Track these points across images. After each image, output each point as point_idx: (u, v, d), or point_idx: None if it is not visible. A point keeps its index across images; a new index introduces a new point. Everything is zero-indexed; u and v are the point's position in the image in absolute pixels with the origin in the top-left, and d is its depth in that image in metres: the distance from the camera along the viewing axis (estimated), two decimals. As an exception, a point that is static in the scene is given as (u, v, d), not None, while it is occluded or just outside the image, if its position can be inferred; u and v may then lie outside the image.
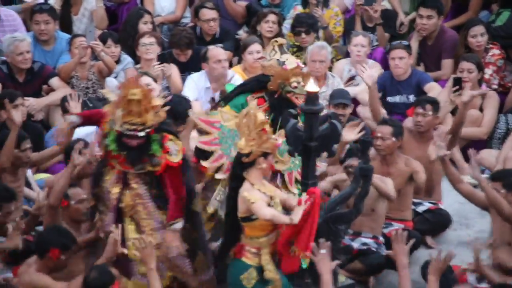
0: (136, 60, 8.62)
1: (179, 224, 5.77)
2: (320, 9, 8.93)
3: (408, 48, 8.23)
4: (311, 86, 5.82)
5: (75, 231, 6.04)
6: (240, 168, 5.55)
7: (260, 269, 5.54)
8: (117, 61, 8.55)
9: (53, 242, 5.66)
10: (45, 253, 5.67)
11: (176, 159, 5.69)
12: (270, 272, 5.54)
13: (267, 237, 5.56)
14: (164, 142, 5.70)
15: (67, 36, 8.64)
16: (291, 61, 6.17)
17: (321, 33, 8.97)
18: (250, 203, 5.44)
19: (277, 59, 6.20)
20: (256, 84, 6.27)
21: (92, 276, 5.41)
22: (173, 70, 8.36)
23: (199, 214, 5.89)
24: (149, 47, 8.29)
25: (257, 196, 5.47)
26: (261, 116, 5.52)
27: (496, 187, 6.18)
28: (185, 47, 8.57)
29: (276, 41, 6.29)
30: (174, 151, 5.70)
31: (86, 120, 6.02)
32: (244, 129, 5.52)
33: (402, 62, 8.24)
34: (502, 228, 6.19)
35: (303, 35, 8.68)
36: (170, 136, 5.75)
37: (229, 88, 6.64)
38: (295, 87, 6.11)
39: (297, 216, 5.42)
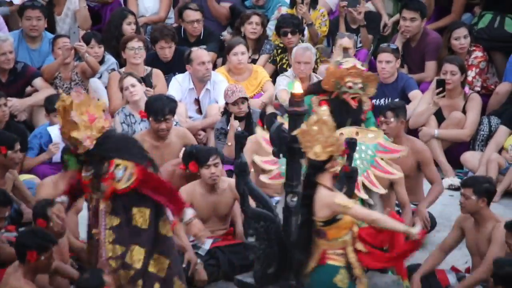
0: (120, 60, 8.61)
1: (189, 212, 5.66)
2: (307, 9, 8.94)
3: (396, 52, 8.26)
4: (296, 87, 5.83)
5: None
6: (314, 175, 5.49)
7: (349, 268, 5.52)
8: (101, 62, 8.53)
9: (29, 244, 5.62)
10: (24, 257, 5.64)
11: (123, 185, 5.48)
12: (358, 268, 5.52)
13: (349, 234, 5.54)
14: (110, 168, 5.50)
15: (51, 36, 8.61)
16: (348, 62, 6.11)
17: (306, 30, 8.98)
18: (347, 209, 5.40)
19: (336, 60, 6.15)
20: (320, 86, 6.21)
21: (84, 277, 5.41)
22: (159, 81, 8.36)
23: (169, 239, 5.73)
24: (137, 51, 8.28)
25: (348, 199, 5.47)
26: (331, 120, 5.47)
27: (467, 193, 6.22)
28: (170, 38, 8.55)
29: (341, 45, 6.23)
30: (122, 176, 5.48)
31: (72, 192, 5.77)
32: (317, 137, 5.45)
33: (389, 66, 8.27)
34: (474, 240, 6.24)
35: (289, 35, 8.69)
36: (118, 161, 5.50)
37: (290, 87, 6.55)
38: (350, 87, 6.04)
39: (417, 229, 5.37)
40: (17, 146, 6.86)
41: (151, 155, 6.89)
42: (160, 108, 7.26)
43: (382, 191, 5.95)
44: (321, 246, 5.53)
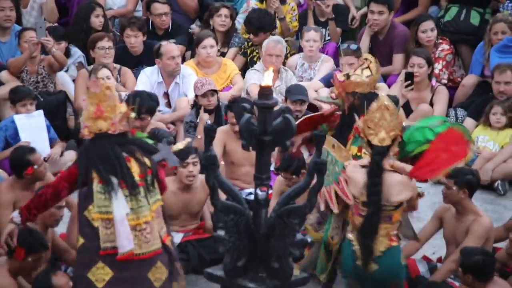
0: (87, 53, 8.56)
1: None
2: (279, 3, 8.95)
3: (357, 51, 8.19)
4: (265, 80, 5.83)
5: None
6: (381, 161, 5.53)
7: None
8: (67, 55, 8.47)
9: (21, 242, 5.54)
10: (12, 252, 5.58)
11: None
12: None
13: None
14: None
15: (19, 28, 8.54)
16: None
17: (277, 24, 8.99)
18: (417, 191, 5.56)
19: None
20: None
21: (37, 279, 5.40)
22: (128, 78, 8.32)
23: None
24: (107, 51, 8.24)
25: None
26: (393, 104, 5.55)
27: (449, 183, 6.26)
28: (136, 28, 8.52)
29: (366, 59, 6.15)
30: None
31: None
32: (381, 123, 5.49)
33: (353, 67, 8.28)
34: (453, 230, 6.29)
35: (260, 34, 8.68)
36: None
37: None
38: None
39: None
40: None
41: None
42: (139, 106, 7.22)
43: (336, 210, 5.96)
44: (387, 229, 5.58)
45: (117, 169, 5.13)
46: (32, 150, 6.50)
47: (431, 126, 5.90)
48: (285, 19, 9.01)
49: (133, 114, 5.32)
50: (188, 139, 5.65)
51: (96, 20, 8.65)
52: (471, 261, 5.66)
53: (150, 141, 5.36)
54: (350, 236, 5.71)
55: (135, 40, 8.57)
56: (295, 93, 7.77)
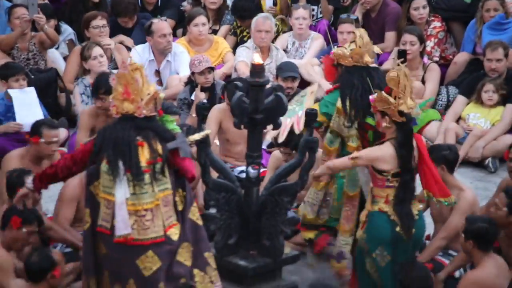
0: (77, 29, 8.53)
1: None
2: None
3: (356, 22, 8.27)
4: (256, 58, 5.82)
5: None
6: (411, 127, 5.66)
7: None
8: (58, 33, 8.43)
9: (17, 212, 5.57)
10: (8, 222, 5.59)
11: None
12: None
13: None
14: None
15: (9, 4, 8.49)
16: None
17: (277, 1, 8.96)
18: None
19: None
20: None
21: (32, 260, 5.33)
22: (122, 54, 8.30)
23: None
24: (102, 29, 8.20)
25: None
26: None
27: None
28: (132, 14, 8.54)
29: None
30: None
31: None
32: (406, 90, 5.55)
33: (350, 37, 8.27)
34: (438, 207, 6.32)
35: (246, 21, 8.65)
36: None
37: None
38: None
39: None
40: None
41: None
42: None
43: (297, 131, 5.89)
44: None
45: (126, 154, 5.12)
46: (50, 125, 6.53)
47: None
48: None
49: (162, 95, 5.32)
50: (208, 131, 5.63)
51: None
52: (475, 227, 5.67)
53: (174, 127, 5.32)
54: (383, 208, 5.69)
55: (132, 23, 8.61)
56: (286, 70, 7.76)
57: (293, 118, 5.94)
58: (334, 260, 6.04)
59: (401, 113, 5.57)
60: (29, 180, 5.43)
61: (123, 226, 5.10)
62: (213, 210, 5.82)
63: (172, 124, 5.32)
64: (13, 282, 5.41)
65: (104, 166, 5.15)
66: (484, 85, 7.96)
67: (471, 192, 6.27)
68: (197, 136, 5.38)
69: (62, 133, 7.61)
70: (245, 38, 8.74)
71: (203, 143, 5.75)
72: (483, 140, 7.83)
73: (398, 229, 5.66)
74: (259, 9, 8.71)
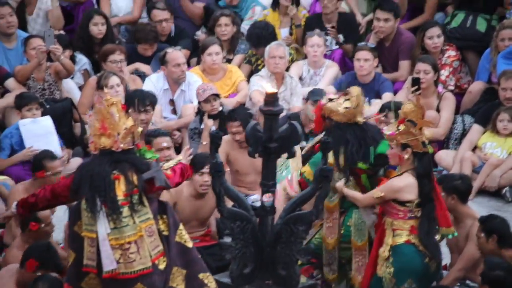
0: (92, 59, 8.57)
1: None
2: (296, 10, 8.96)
3: (374, 50, 8.29)
4: (268, 87, 5.84)
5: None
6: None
7: None
8: (72, 62, 8.48)
9: (37, 256, 5.60)
10: (24, 263, 5.60)
11: None
12: None
13: None
14: None
15: (25, 35, 8.54)
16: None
17: (293, 31, 8.96)
18: None
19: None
20: None
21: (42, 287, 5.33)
22: (137, 85, 8.35)
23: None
24: (120, 64, 8.25)
25: None
26: None
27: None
28: (153, 41, 8.61)
29: None
30: None
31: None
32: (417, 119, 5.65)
33: (367, 64, 8.31)
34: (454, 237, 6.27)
35: (261, 48, 8.65)
36: None
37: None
38: None
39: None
40: None
41: None
42: (140, 99, 7.28)
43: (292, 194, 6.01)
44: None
45: (102, 190, 5.18)
46: (52, 157, 6.64)
47: None
48: (301, 26, 9.00)
49: (139, 129, 5.35)
50: (180, 157, 5.66)
51: (95, 29, 8.65)
52: (493, 275, 5.60)
53: (153, 156, 5.36)
54: (410, 239, 5.66)
55: (151, 51, 8.68)
56: (316, 94, 7.74)
57: (283, 182, 6.06)
58: None
59: (424, 144, 5.59)
60: (14, 204, 5.52)
61: (109, 262, 5.15)
62: (228, 239, 5.79)
63: (151, 153, 5.36)
64: None
65: (83, 204, 5.21)
66: (499, 114, 7.93)
67: None
68: (171, 163, 5.41)
69: (77, 162, 7.61)
70: (260, 67, 8.76)
71: (218, 172, 5.75)
72: (500, 169, 7.78)
73: (427, 260, 5.65)
74: (274, 38, 8.74)
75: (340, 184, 5.93)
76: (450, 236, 5.84)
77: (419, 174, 5.60)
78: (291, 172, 5.97)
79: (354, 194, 5.87)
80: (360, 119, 5.98)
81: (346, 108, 5.97)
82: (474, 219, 6.20)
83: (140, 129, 5.40)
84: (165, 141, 7.07)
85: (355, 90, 6.06)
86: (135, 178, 5.23)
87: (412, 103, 5.64)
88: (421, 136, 5.58)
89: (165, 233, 5.32)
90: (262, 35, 8.68)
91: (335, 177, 5.94)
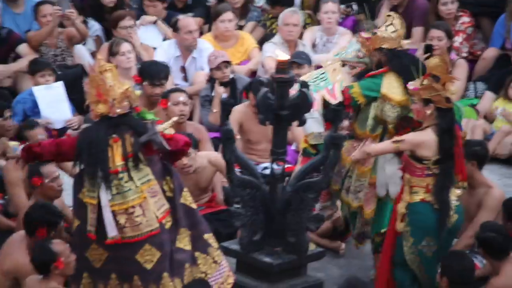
0: (104, 25, 8.56)
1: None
2: None
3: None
4: (281, 54, 5.82)
5: None
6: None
7: None
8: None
9: (40, 220, 5.58)
10: (33, 231, 5.60)
11: None
12: None
13: None
14: None
15: (35, 0, 8.52)
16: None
17: None
18: None
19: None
20: None
21: (34, 255, 5.34)
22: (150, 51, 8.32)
23: None
24: (130, 30, 8.23)
25: None
26: None
27: None
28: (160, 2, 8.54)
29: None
30: None
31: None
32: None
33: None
34: (466, 203, 6.27)
35: (277, 7, 8.63)
36: None
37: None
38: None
39: None
40: (7, 113, 6.82)
41: None
42: (156, 72, 7.30)
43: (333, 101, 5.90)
44: None
45: (99, 158, 5.19)
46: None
47: None
48: None
49: (138, 92, 5.35)
50: (175, 118, 5.65)
51: None
52: (483, 236, 5.65)
53: (151, 117, 5.37)
54: (425, 198, 5.63)
55: (154, 11, 8.56)
56: (293, 56, 7.71)
57: (322, 92, 5.96)
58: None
59: (447, 99, 5.52)
60: (19, 148, 5.54)
61: (111, 228, 5.17)
62: (237, 206, 5.83)
63: (151, 115, 5.37)
64: (28, 278, 5.42)
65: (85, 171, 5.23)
66: (511, 82, 7.89)
67: (499, 190, 6.23)
68: (166, 125, 5.40)
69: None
70: (274, 31, 8.73)
71: (229, 139, 5.76)
72: (511, 137, 7.77)
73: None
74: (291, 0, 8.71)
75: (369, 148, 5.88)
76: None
77: (441, 130, 5.52)
78: (331, 83, 5.90)
79: (372, 146, 5.84)
80: (404, 42, 5.94)
81: (394, 31, 5.91)
82: (488, 187, 6.21)
83: (138, 92, 5.37)
84: (182, 96, 7.10)
85: (393, 13, 6.03)
86: (132, 141, 5.23)
87: (438, 57, 5.56)
88: (445, 91, 5.49)
89: (169, 194, 5.33)
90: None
91: (386, 109, 5.85)
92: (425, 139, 5.57)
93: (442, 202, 5.56)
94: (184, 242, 5.34)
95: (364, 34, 6.02)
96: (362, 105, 5.96)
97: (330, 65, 6.06)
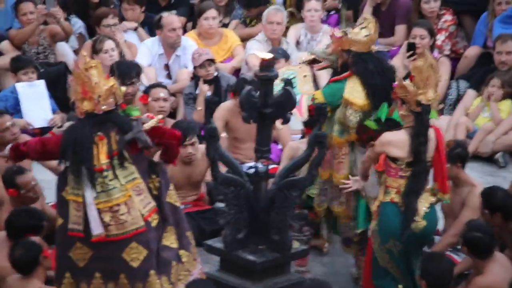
0: (87, 23, 8.54)
1: None
2: None
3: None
4: (266, 52, 5.82)
5: None
6: (428, 119, 5.62)
7: None
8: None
9: (24, 228, 5.58)
10: (18, 237, 5.57)
11: None
12: None
13: None
14: None
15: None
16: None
17: None
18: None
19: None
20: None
21: (19, 254, 5.31)
22: (133, 49, 8.31)
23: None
24: (113, 28, 8.20)
25: None
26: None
27: None
28: (133, 2, 8.51)
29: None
30: None
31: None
32: (429, 81, 5.52)
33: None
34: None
35: (252, 9, 8.65)
36: None
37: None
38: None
39: None
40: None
41: None
42: (126, 71, 7.26)
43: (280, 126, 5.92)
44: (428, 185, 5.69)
45: (83, 155, 5.17)
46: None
47: None
48: None
49: (123, 88, 5.34)
50: (160, 116, 5.64)
51: None
52: (469, 235, 5.68)
53: (137, 113, 5.36)
54: (394, 198, 5.66)
55: (131, 14, 8.54)
56: (270, 51, 7.73)
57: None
58: None
59: (418, 103, 5.54)
60: (7, 148, 5.48)
61: (96, 226, 5.16)
62: (221, 204, 5.82)
63: (136, 111, 5.37)
64: (8, 278, 5.40)
65: (69, 168, 5.21)
66: (491, 80, 7.93)
67: (482, 187, 6.25)
68: (151, 123, 5.39)
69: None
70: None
71: (213, 137, 5.76)
72: (493, 135, 7.80)
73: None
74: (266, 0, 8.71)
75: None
76: (445, 202, 5.85)
77: (414, 132, 5.56)
78: (299, 92, 5.89)
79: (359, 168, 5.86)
80: (374, 47, 5.94)
81: (366, 35, 5.90)
82: (472, 186, 6.23)
83: (123, 88, 5.37)
84: (162, 92, 7.11)
85: (369, 16, 6.03)
86: (117, 139, 5.21)
87: (424, 60, 5.54)
88: (415, 95, 5.50)
89: (155, 192, 5.33)
90: None
91: (348, 114, 5.85)
92: (393, 138, 5.61)
93: (407, 206, 5.59)
94: (170, 239, 5.35)
95: (336, 33, 6.04)
96: (328, 112, 5.95)
97: (301, 68, 6.06)
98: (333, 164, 6.01)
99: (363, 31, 5.92)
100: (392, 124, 5.82)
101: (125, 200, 5.21)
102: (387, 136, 5.64)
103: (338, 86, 5.95)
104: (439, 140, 5.65)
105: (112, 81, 5.28)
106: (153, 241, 5.25)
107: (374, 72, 5.84)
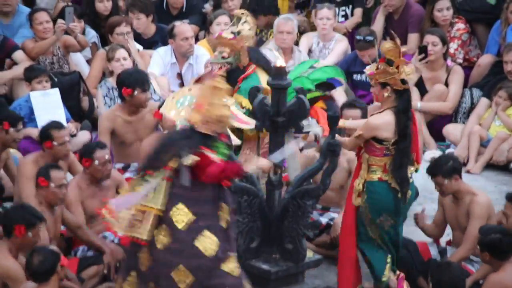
0: (100, 32, 8.55)
1: None
2: None
3: (373, 41, 8.05)
4: (279, 61, 5.82)
5: (49, 214, 5.98)
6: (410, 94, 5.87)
7: None
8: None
9: (18, 219, 5.59)
10: (11, 232, 5.60)
11: None
12: None
13: None
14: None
15: (27, 10, 8.49)
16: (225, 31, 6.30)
17: None
18: None
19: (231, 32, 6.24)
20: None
21: (37, 262, 5.30)
22: (146, 58, 8.32)
23: None
24: (126, 36, 8.21)
25: None
26: None
27: (438, 180, 6.24)
28: (138, 10, 8.51)
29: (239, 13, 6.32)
30: None
31: None
32: (400, 59, 5.72)
33: (372, 56, 8.23)
34: (454, 214, 6.28)
35: (260, 17, 8.66)
36: None
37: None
38: (215, 57, 6.30)
39: None
40: (20, 126, 6.81)
41: (125, 131, 6.96)
42: (144, 79, 7.23)
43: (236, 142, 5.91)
44: None
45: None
46: (59, 126, 6.60)
47: (305, 74, 6.18)
48: None
49: (235, 123, 5.50)
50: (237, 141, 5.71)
51: (101, 5, 8.62)
52: (488, 239, 5.66)
53: (225, 151, 5.24)
54: (382, 177, 5.76)
55: (137, 23, 8.55)
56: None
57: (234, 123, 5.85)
58: None
59: (403, 81, 5.69)
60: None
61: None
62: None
63: (225, 149, 5.22)
64: (22, 287, 5.40)
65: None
66: (499, 90, 7.91)
67: (484, 195, 6.26)
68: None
69: (85, 136, 7.63)
70: (264, 39, 8.72)
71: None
72: (508, 143, 7.77)
73: (400, 195, 5.75)
74: (274, 7, 8.69)
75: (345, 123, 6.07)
76: (413, 171, 5.88)
77: (398, 110, 5.71)
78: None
79: (343, 139, 5.95)
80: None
81: (250, 29, 6.21)
82: (472, 194, 6.22)
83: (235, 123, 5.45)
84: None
85: (244, 11, 6.31)
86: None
87: (391, 42, 5.76)
88: (399, 74, 5.67)
89: (179, 225, 5.24)
90: (260, 2, 8.64)
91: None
92: (381, 122, 5.74)
93: (402, 178, 5.74)
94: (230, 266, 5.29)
95: (225, 34, 6.20)
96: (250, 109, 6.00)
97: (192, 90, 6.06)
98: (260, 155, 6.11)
99: (246, 25, 6.18)
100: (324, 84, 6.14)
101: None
102: (374, 121, 5.77)
103: (251, 81, 6.05)
104: (412, 113, 5.80)
105: (228, 111, 5.16)
106: (205, 269, 5.20)
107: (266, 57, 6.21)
